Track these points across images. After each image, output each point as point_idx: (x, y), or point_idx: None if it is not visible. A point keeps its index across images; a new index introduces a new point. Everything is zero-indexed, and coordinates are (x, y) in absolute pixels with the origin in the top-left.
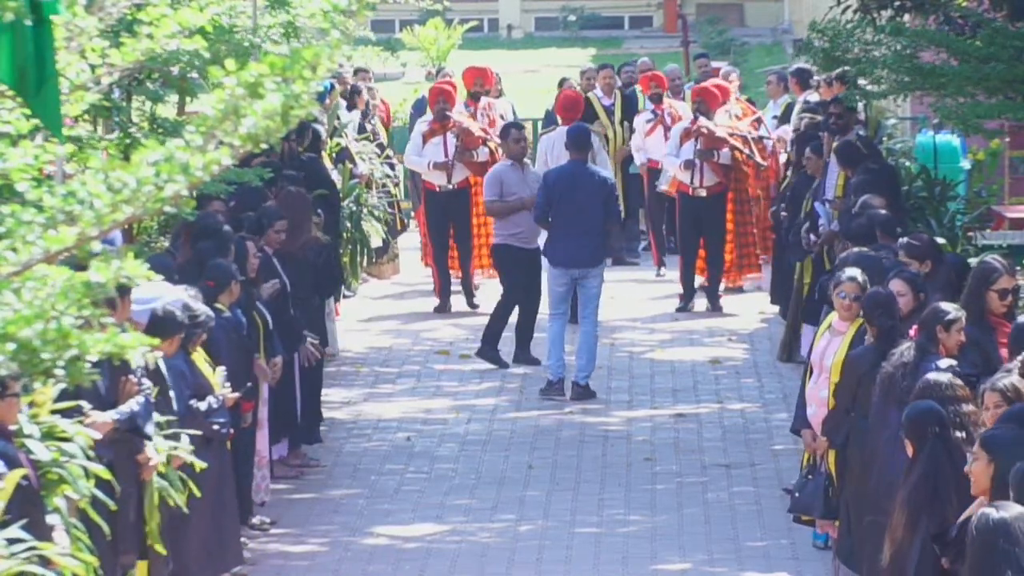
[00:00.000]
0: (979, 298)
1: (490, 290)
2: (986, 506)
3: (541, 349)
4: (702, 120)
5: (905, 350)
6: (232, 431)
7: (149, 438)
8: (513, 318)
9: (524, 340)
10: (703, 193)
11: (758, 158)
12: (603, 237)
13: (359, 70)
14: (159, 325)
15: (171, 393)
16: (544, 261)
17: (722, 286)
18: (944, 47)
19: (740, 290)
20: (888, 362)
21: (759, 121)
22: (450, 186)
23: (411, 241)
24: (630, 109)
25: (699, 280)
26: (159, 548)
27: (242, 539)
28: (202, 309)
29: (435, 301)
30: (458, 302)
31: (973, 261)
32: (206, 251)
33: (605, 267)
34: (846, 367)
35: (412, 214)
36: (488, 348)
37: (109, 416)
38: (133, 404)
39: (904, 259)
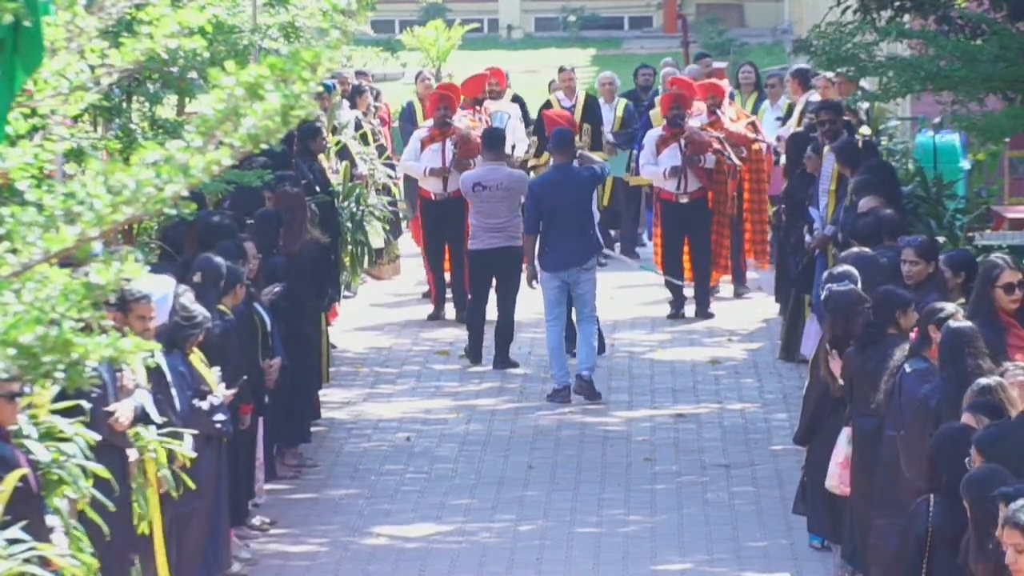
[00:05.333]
0: (986, 297)
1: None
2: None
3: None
4: (689, 126)
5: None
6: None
7: (158, 424)
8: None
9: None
10: (685, 200)
11: (734, 158)
12: (592, 235)
13: (360, 73)
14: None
15: (172, 391)
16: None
17: (718, 290)
18: (950, 50)
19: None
20: (886, 365)
21: (753, 125)
22: (446, 194)
23: (412, 242)
24: (592, 113)
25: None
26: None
27: (242, 539)
28: (199, 310)
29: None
30: (452, 310)
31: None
32: (222, 252)
33: (596, 267)
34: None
35: (407, 222)
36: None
37: (131, 404)
38: (138, 396)
39: (913, 258)
